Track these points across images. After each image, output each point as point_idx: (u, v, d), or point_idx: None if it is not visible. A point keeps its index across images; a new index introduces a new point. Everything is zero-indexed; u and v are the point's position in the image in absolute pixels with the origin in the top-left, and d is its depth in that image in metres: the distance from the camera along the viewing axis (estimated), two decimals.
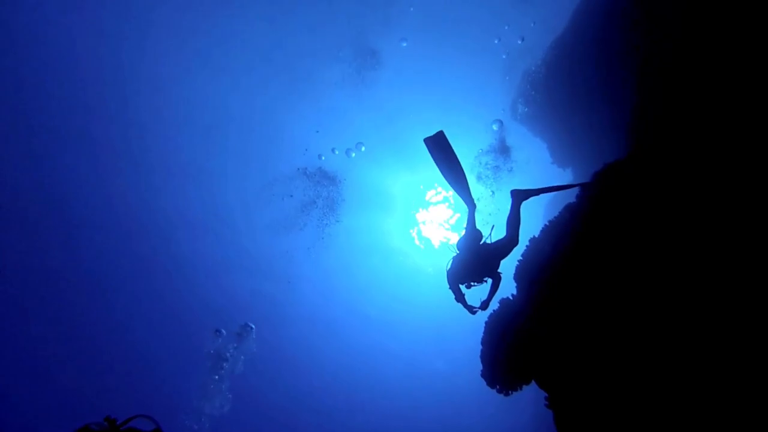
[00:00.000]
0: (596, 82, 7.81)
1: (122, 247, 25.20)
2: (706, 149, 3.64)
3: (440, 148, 4.28)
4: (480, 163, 11.28)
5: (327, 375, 30.17)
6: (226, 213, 25.55)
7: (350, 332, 29.30)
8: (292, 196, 15.77)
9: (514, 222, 4.27)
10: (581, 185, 4.46)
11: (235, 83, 23.32)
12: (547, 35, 11.40)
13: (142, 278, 26.05)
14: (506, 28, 17.06)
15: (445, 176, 4.37)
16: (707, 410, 3.20)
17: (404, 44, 19.88)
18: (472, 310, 4.45)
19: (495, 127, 12.86)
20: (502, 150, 11.73)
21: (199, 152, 24.69)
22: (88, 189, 24.02)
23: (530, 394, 6.24)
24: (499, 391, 5.30)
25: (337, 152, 18.07)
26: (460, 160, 4.41)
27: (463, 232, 4.45)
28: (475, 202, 4.61)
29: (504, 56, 17.47)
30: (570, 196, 4.89)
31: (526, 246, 5.35)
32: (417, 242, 23.35)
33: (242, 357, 13.88)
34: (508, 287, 5.33)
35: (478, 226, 4.47)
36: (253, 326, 14.19)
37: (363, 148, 19.38)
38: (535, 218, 8.74)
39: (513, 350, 5.11)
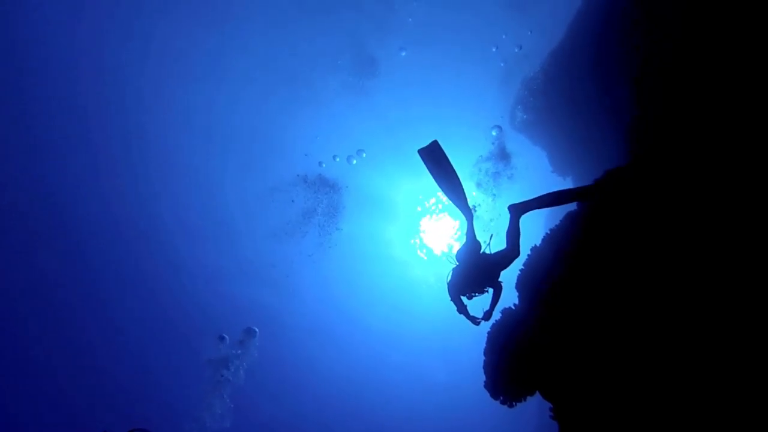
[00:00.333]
0: (594, 89, 7.82)
1: (122, 253, 25.21)
2: (708, 153, 3.61)
3: (435, 158, 4.24)
4: (479, 170, 11.26)
5: (328, 385, 29.83)
6: (226, 220, 25.58)
7: (352, 342, 29.06)
8: (293, 201, 15.75)
9: (513, 235, 4.22)
10: (582, 193, 4.39)
11: (236, 91, 23.49)
12: (544, 42, 11.48)
13: (142, 284, 25.97)
14: (504, 36, 17.21)
15: (440, 186, 4.33)
16: (713, 417, 3.13)
17: (403, 53, 20.04)
18: (474, 320, 4.39)
19: (494, 133, 12.87)
20: (502, 156, 11.72)
21: (200, 159, 24.81)
22: (88, 194, 24.10)
23: (534, 406, 6.14)
24: (503, 403, 5.21)
25: (338, 159, 18.09)
26: (456, 169, 4.37)
27: (461, 243, 4.40)
28: (476, 208, 4.57)
29: (502, 64, 17.59)
30: (571, 204, 4.84)
31: (528, 255, 5.30)
32: (419, 251, 23.23)
33: (244, 364, 13.69)
34: (510, 297, 5.26)
35: (478, 232, 4.43)
36: (257, 330, 14.02)
37: (364, 155, 19.39)
38: (536, 227, 8.68)
39: (516, 360, 5.03)
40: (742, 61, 3.59)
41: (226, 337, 13.84)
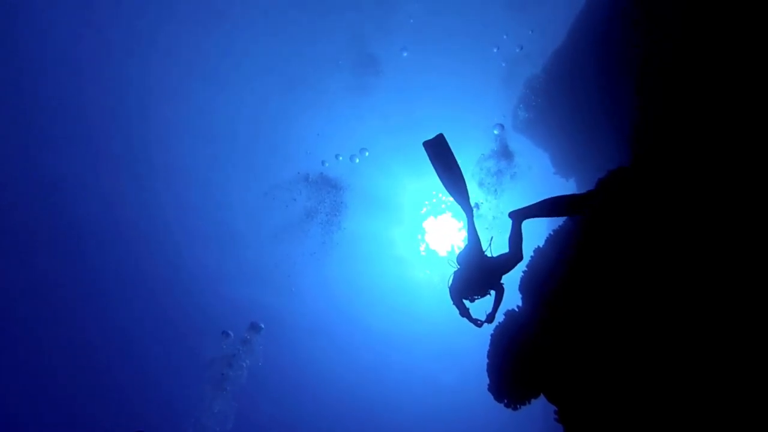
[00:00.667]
0: (596, 88, 7.78)
1: (123, 253, 25.24)
2: (711, 152, 3.58)
3: (439, 151, 4.20)
4: (481, 169, 11.22)
5: (330, 387, 29.70)
6: (227, 220, 25.59)
7: (354, 343, 28.95)
8: (295, 200, 15.74)
9: (516, 240, 4.20)
10: (579, 203, 4.34)
11: (238, 91, 23.56)
12: (545, 42, 11.45)
13: (142, 284, 26.02)
14: (505, 36, 17.19)
15: (442, 180, 4.28)
16: (717, 418, 3.10)
17: (405, 54, 20.06)
18: (477, 323, 4.37)
19: (496, 131, 12.83)
20: (504, 153, 11.69)
21: (202, 158, 24.86)
22: (89, 194, 24.22)
23: (539, 409, 6.11)
24: (507, 406, 5.18)
25: (341, 158, 18.07)
26: (460, 165, 4.33)
27: (463, 245, 4.38)
28: (478, 205, 4.54)
29: (503, 64, 17.57)
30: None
31: (531, 256, 5.28)
32: (422, 251, 23.11)
33: (247, 361, 13.60)
34: (513, 298, 5.23)
35: (480, 231, 4.39)
36: (263, 326, 13.95)
37: (367, 154, 19.35)
38: (539, 228, 8.64)
39: (520, 363, 5.00)
40: (742, 61, 3.56)
41: (231, 333, 13.77)
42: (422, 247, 22.84)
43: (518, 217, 4.22)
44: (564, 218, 5.03)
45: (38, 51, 21.54)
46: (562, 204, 4.21)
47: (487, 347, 5.51)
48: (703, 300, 3.33)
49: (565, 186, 12.66)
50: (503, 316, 5.39)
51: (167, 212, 25.30)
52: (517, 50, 16.57)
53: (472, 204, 4.55)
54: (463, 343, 17.09)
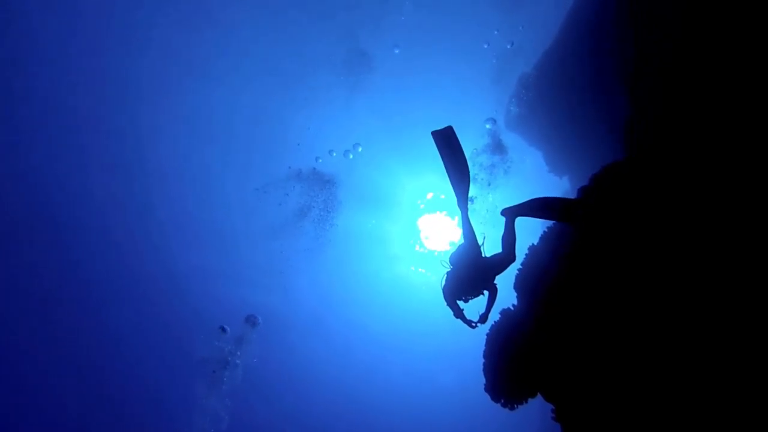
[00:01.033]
0: (588, 85, 7.76)
1: (114, 251, 25.02)
2: (706, 150, 3.55)
3: (448, 143, 4.16)
4: (474, 164, 11.21)
5: (324, 387, 29.48)
6: (219, 217, 25.36)
7: (349, 343, 28.82)
8: (287, 194, 15.63)
9: (509, 240, 4.14)
10: (570, 207, 4.29)
11: (229, 87, 23.39)
12: (536, 39, 11.45)
13: (135, 283, 25.74)
14: (495, 32, 17.19)
15: (448, 172, 4.22)
16: (714, 416, 3.08)
17: (397, 51, 20.07)
18: (471, 324, 4.32)
19: (488, 126, 12.82)
20: (497, 147, 11.69)
21: (194, 155, 24.68)
22: (78, 193, 23.91)
23: (536, 408, 6.08)
24: (504, 405, 5.14)
25: (334, 154, 17.96)
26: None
27: (457, 244, 4.31)
28: (473, 199, 4.46)
29: (494, 61, 17.59)
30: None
31: (526, 254, 5.23)
32: (417, 247, 22.97)
33: (238, 353, 13.46)
34: (509, 297, 5.18)
35: (474, 227, 4.32)
36: (260, 319, 13.84)
37: (360, 149, 19.24)
38: (534, 226, 8.60)
39: (516, 362, 4.96)
40: (742, 60, 3.53)
41: (227, 328, 13.65)
42: (417, 246, 22.80)
43: (511, 215, 4.15)
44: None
45: (31, 45, 21.28)
46: (555, 207, 4.16)
47: (483, 346, 5.47)
48: (698, 298, 3.30)
49: (558, 184, 12.68)
50: (499, 315, 5.34)
51: (158, 209, 25.07)
52: (508, 47, 16.60)
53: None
54: (460, 342, 17.07)
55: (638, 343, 3.72)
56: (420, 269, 23.59)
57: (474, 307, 4.33)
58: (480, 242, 4.20)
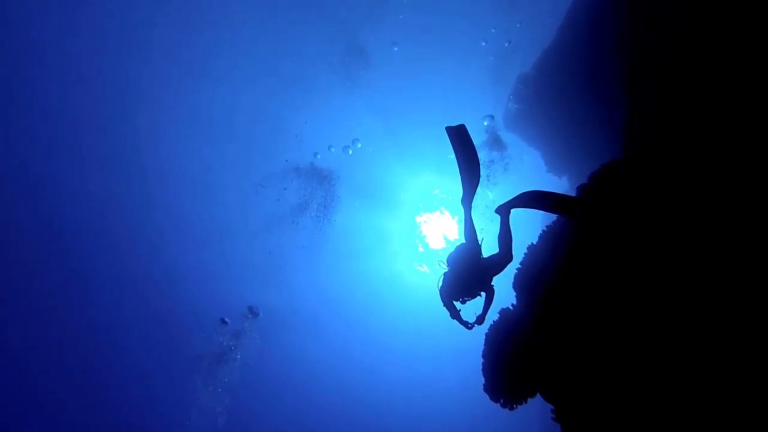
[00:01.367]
0: (587, 83, 7.73)
1: (111, 247, 24.97)
2: (706, 149, 3.52)
3: (462, 139, 4.17)
4: None
5: (323, 386, 29.45)
6: (216, 213, 25.30)
7: (348, 341, 28.77)
8: (285, 189, 15.62)
9: (505, 239, 4.11)
10: (566, 203, 4.26)
11: (228, 84, 23.32)
12: (533, 36, 11.42)
13: (131, 279, 25.70)
14: (493, 30, 17.18)
15: (461, 168, 4.22)
16: (714, 415, 3.07)
17: (395, 48, 20.07)
18: (467, 325, 4.30)
19: (486, 123, 12.82)
20: (496, 143, 11.69)
21: (192, 151, 24.60)
22: (76, 189, 23.86)
23: (536, 408, 6.07)
24: (503, 406, 5.12)
25: (333, 150, 17.94)
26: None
27: (457, 244, 4.29)
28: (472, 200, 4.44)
29: (492, 58, 17.60)
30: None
31: (525, 253, 5.20)
32: (419, 245, 22.90)
33: (235, 347, 13.41)
34: (507, 297, 5.16)
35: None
36: (260, 311, 13.80)
37: (359, 145, 19.24)
38: (533, 224, 8.58)
39: (515, 362, 4.94)
40: (736, 56, 3.50)
41: (228, 320, 13.65)
42: (418, 243, 22.75)
43: (505, 210, 4.13)
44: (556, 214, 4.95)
45: (30, 45, 21.21)
46: (550, 201, 4.13)
47: (482, 346, 5.44)
48: (698, 297, 3.28)
49: (558, 184, 12.67)
50: (497, 315, 5.32)
51: (157, 205, 25.02)
52: (506, 45, 16.59)
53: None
54: (459, 342, 17.08)
55: (638, 342, 3.70)
56: (421, 267, 23.59)
57: (471, 308, 4.31)
58: (479, 242, 4.17)
